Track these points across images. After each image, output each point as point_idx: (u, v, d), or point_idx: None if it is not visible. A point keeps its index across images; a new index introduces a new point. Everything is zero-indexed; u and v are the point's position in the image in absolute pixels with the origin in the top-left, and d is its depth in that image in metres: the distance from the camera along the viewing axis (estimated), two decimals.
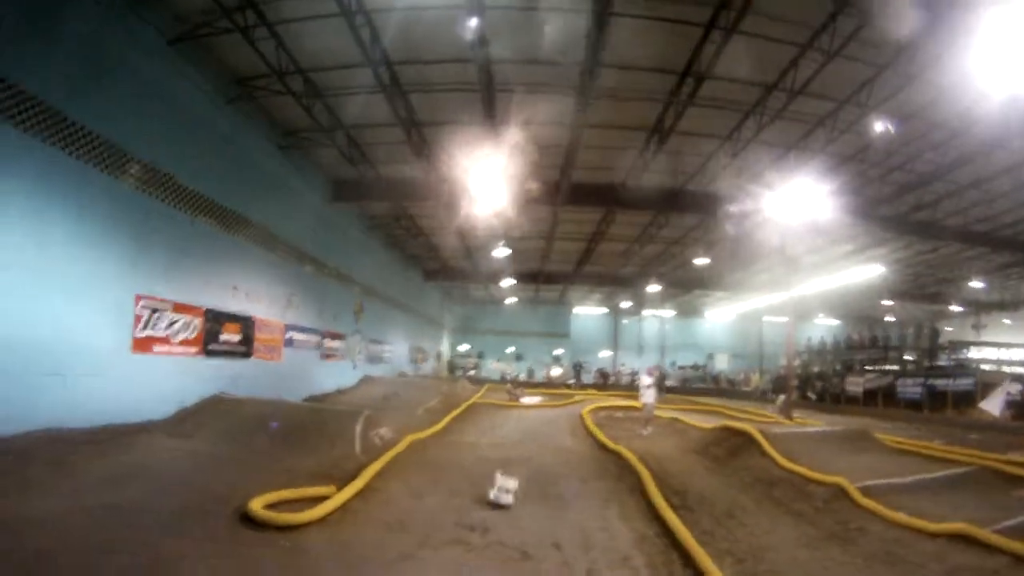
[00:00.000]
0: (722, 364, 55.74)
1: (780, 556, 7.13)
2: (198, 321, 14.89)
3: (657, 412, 20.83)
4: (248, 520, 7.10)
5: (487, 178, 17.82)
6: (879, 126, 16.22)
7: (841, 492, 9.63)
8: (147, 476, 8.87)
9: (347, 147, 19.11)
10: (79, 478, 8.27)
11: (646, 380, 19.65)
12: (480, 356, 55.40)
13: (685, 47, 13.99)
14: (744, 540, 7.76)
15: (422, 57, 14.71)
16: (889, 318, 44.95)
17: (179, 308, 14.16)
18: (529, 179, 19.22)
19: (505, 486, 8.74)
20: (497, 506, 8.59)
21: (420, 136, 18.51)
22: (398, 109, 16.39)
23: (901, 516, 8.34)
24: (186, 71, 13.96)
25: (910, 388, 26.93)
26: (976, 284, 37.52)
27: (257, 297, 18.10)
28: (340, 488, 8.71)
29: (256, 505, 7.25)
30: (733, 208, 22.01)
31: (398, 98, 16.10)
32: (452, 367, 47.97)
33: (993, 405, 22.06)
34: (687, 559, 6.72)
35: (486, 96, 15.67)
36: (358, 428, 12.15)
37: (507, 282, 40.28)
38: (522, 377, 45.16)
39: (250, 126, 17.12)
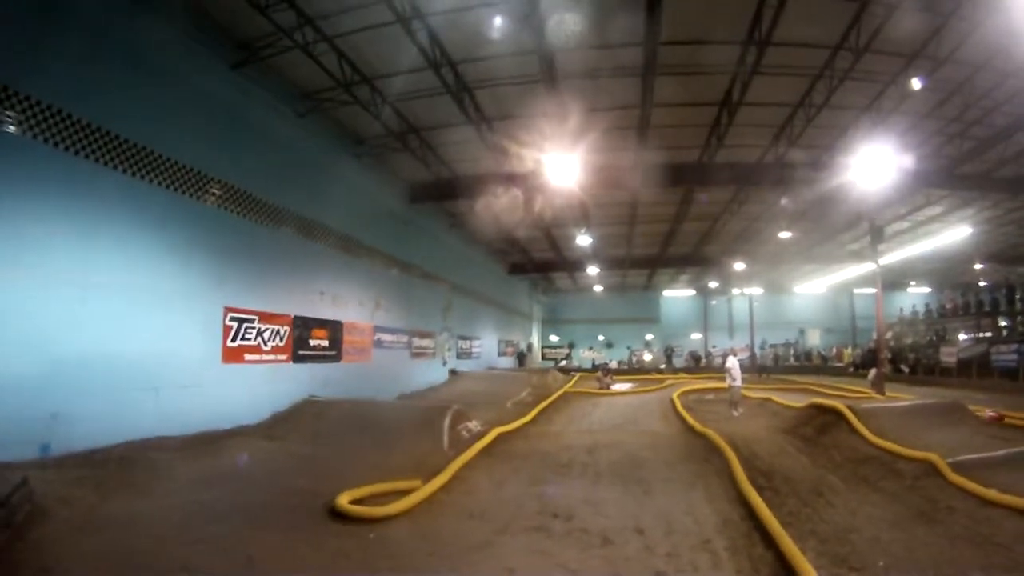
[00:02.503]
0: (814, 340, 54.45)
1: (864, 537, 7.00)
2: (286, 328, 15.42)
3: (748, 393, 20.66)
4: (336, 514, 7.37)
5: (561, 167, 17.88)
6: (952, 79, 15.72)
7: (931, 469, 9.41)
8: (239, 476, 9.27)
9: (420, 149, 19.40)
10: (172, 481, 8.68)
11: (731, 362, 19.46)
12: (571, 346, 55.42)
13: (744, 14, 13.63)
14: (829, 520, 7.68)
15: (482, 54, 14.78)
16: (982, 283, 42.97)
17: (267, 317, 14.70)
18: (603, 164, 19.19)
19: None
20: None
21: (490, 131, 18.57)
22: (466, 107, 16.55)
23: (992, 493, 8.05)
24: (255, 92, 14.49)
25: (1004, 356, 25.76)
26: None
27: (344, 302, 18.60)
28: (425, 481, 8.94)
29: (343, 500, 7.54)
30: (812, 177, 21.56)
31: (464, 97, 16.28)
32: (521, 358, 46.60)
33: None
34: (769, 541, 6.66)
35: (551, 86, 15.68)
36: (446, 423, 12.35)
37: (592, 270, 40.24)
38: (614, 364, 44.95)
39: (324, 138, 17.60)
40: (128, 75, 11.04)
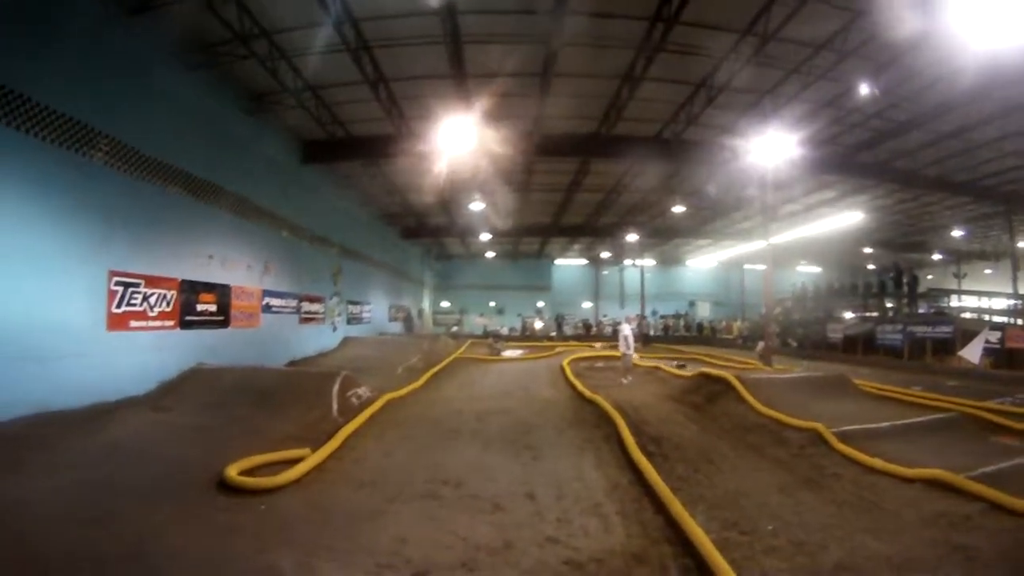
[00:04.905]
0: (704, 312, 55.92)
1: (753, 502, 7.25)
2: (173, 293, 14.88)
3: (637, 361, 21.09)
4: (225, 486, 7.22)
5: (458, 131, 17.74)
6: (855, 73, 16.26)
7: (818, 437, 9.79)
8: (127, 451, 8.86)
9: (316, 108, 18.95)
10: (61, 457, 8.26)
11: (626, 330, 19.81)
12: (462, 312, 55.40)
13: None
14: (718, 486, 7.93)
15: (385, 12, 14.43)
16: (870, 266, 45.11)
17: (153, 281, 14.11)
18: (501, 130, 19.14)
19: None
20: None
21: (388, 93, 18.34)
22: (364, 66, 16.22)
23: (877, 461, 8.43)
24: (148, 42, 13.73)
25: (890, 335, 27.08)
26: (957, 233, 37.78)
27: (233, 265, 18.06)
28: (315, 449, 8.88)
29: (232, 471, 7.38)
30: (709, 155, 22.08)
31: (363, 55, 15.93)
32: (408, 324, 44.46)
33: (972, 353, 21.83)
34: (660, 506, 6.83)
35: (453, 49, 15.54)
36: (335, 390, 12.20)
37: (485, 236, 40.39)
38: (505, 331, 45.20)
39: (217, 93, 16.90)
40: (4, 13, 10.26)
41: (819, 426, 10.01)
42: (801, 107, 19.04)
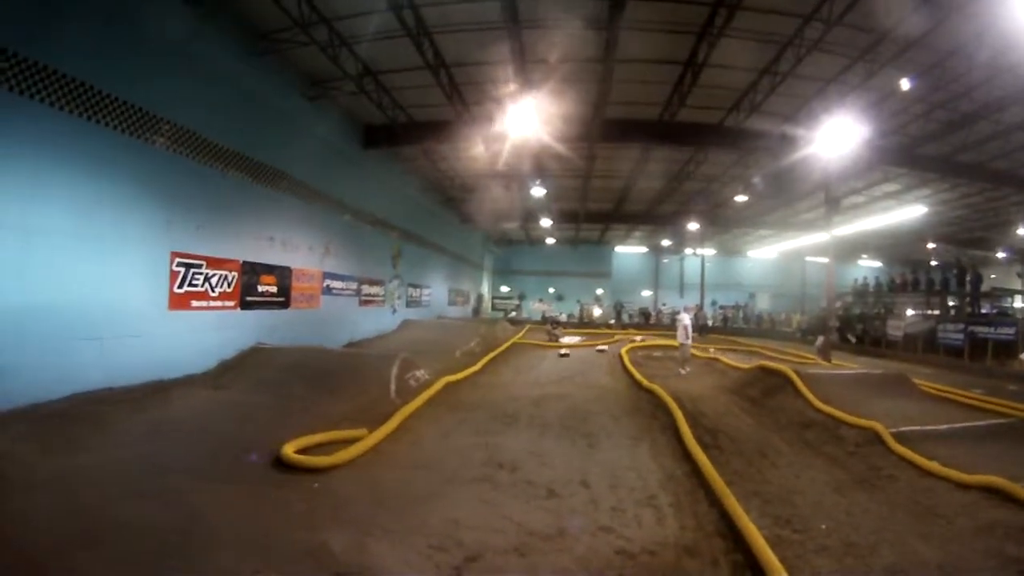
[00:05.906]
0: (763, 304, 55.25)
1: (807, 500, 7.16)
2: (235, 274, 15.11)
3: (696, 352, 20.89)
4: (281, 464, 7.32)
5: (518, 117, 17.69)
6: (919, 62, 15.83)
7: (875, 437, 9.62)
8: (184, 427, 9.06)
9: (376, 93, 18.98)
10: (117, 434, 8.42)
11: (684, 320, 19.63)
12: (521, 297, 55.41)
13: None
14: (773, 482, 7.86)
15: None
16: (933, 262, 43.80)
17: (215, 263, 14.33)
18: (561, 116, 19.03)
19: None
20: None
21: (449, 78, 18.29)
22: (425, 52, 16.18)
23: (934, 465, 8.23)
24: (207, 30, 13.85)
25: (951, 334, 25.96)
26: (1023, 231, 36.63)
27: (294, 247, 18.28)
28: (371, 430, 8.95)
29: (288, 449, 7.49)
30: (772, 144, 21.67)
31: (424, 41, 15.90)
32: (476, 310, 46.09)
33: None
34: (714, 499, 6.78)
35: (513, 33, 15.39)
36: (393, 372, 12.35)
37: (545, 222, 40.18)
38: (563, 317, 45.13)
39: (277, 79, 17.03)
40: (68, 6, 10.44)
41: (877, 425, 9.83)
42: (865, 96, 18.44)
